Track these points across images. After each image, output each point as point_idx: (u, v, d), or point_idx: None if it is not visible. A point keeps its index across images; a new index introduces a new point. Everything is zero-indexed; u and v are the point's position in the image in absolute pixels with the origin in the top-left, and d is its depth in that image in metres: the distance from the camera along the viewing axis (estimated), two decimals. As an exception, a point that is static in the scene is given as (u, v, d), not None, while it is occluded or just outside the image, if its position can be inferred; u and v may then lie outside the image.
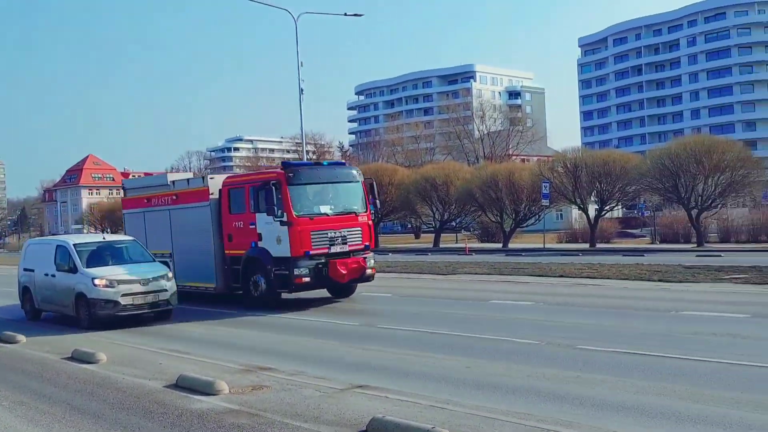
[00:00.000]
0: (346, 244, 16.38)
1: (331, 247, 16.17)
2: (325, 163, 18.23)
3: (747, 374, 8.61)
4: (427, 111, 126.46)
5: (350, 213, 16.79)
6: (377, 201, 17.82)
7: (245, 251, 16.95)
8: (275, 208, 15.68)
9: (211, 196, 17.73)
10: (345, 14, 33.70)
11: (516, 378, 8.91)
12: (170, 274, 15.88)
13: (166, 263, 17.42)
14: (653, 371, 8.85)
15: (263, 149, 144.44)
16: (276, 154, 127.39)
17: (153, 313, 15.50)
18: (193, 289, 18.52)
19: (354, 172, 17.54)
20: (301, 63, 32.34)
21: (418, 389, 8.52)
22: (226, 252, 17.68)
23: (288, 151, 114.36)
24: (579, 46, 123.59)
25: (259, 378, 9.51)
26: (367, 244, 16.93)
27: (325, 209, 16.44)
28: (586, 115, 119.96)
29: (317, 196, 16.61)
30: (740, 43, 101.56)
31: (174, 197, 19.16)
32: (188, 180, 19.54)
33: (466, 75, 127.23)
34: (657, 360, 9.41)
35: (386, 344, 11.80)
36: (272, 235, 16.24)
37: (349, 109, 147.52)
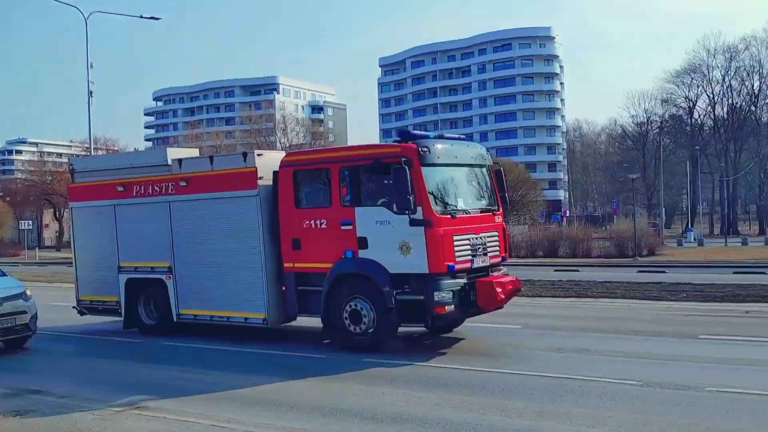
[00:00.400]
0: (487, 255, 11.72)
1: (474, 260, 11.43)
2: (450, 137, 12.33)
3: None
4: (228, 121, 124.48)
5: (488, 211, 12.19)
6: (506, 195, 12.94)
7: (331, 264, 11.49)
8: (409, 199, 10.58)
9: (259, 182, 12.13)
10: (141, 17, 32.23)
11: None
12: (29, 292, 13.01)
13: (153, 281, 13.52)
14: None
15: (50, 153, 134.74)
16: (64, 159, 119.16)
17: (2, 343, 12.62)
18: (215, 321, 13.01)
19: (484, 151, 12.79)
20: (91, 64, 30.45)
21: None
22: (288, 265, 12.03)
23: (78, 155, 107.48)
24: (380, 66, 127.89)
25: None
26: (504, 255, 12.42)
27: (463, 204, 11.60)
28: (385, 132, 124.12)
29: (453, 184, 11.69)
30: (523, 73, 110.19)
31: (180, 184, 13.11)
32: (211, 158, 13.29)
33: (269, 87, 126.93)
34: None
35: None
36: (390, 241, 10.90)
37: (146, 114, 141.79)
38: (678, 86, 77.35)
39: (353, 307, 11.28)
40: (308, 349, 11.92)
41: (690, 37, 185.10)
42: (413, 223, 10.67)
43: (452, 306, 10.74)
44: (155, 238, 13.55)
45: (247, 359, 11.53)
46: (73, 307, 15.07)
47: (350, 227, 11.27)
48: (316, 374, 10.09)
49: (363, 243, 11.16)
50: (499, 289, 11.21)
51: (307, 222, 11.79)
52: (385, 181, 10.96)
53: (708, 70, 76.28)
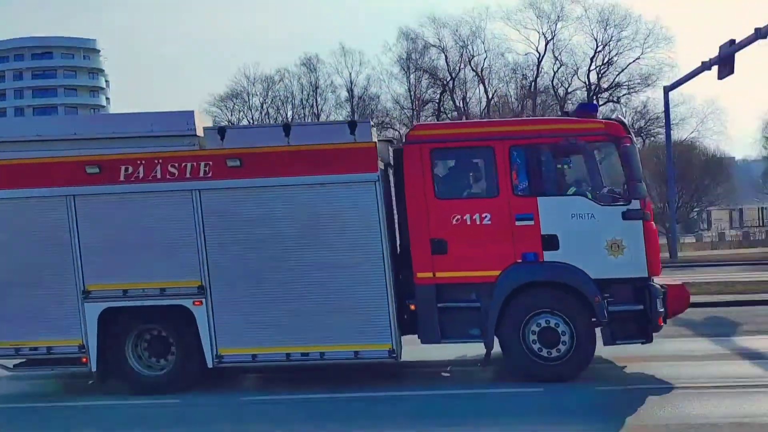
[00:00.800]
0: None
1: None
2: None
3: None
4: None
5: None
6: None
7: (499, 272, 8.84)
8: (643, 186, 8.90)
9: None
10: None
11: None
12: None
13: (164, 309, 9.02)
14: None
15: None
16: None
17: None
18: (294, 361, 9.08)
19: None
20: None
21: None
22: (424, 276, 8.95)
23: None
24: None
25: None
26: None
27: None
28: None
29: None
30: (66, 84, 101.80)
31: (226, 164, 8.85)
32: (287, 128, 9.06)
33: None
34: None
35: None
36: (592, 240, 8.79)
37: None
38: (221, 110, 79.92)
39: (544, 324, 8.91)
40: (454, 386, 9.22)
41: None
42: (628, 215, 8.79)
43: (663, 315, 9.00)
44: (167, 246, 9.06)
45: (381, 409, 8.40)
46: None
47: (530, 222, 8.90)
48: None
49: (551, 242, 8.88)
50: (682, 294, 9.49)
51: (458, 217, 9.01)
52: (586, 163, 9.08)
53: (248, 96, 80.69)
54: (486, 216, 8.97)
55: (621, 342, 9.12)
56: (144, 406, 8.83)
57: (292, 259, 8.95)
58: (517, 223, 8.91)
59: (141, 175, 8.98)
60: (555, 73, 49.04)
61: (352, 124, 9.05)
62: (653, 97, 46.21)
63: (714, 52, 21.59)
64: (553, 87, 49.07)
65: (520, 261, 8.94)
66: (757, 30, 19.00)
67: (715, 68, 21.28)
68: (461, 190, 9.45)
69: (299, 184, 8.94)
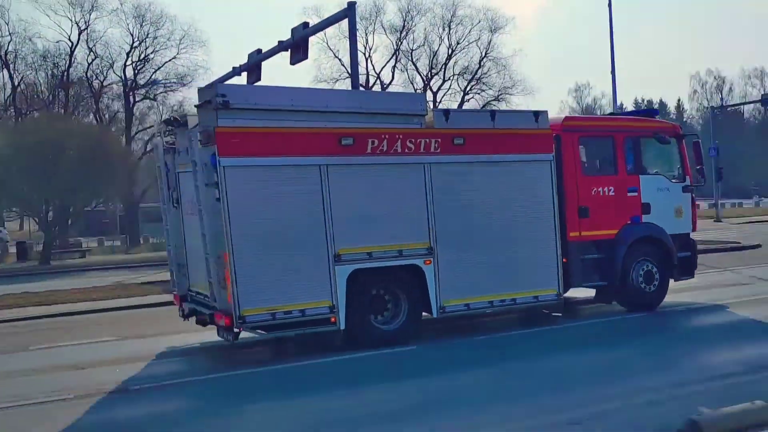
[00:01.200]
0: None
1: None
2: None
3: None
4: None
5: None
6: None
7: (616, 231, 12.16)
8: (704, 169, 13.52)
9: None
10: None
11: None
12: None
13: (401, 269, 10.10)
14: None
15: None
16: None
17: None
18: (496, 307, 10.95)
19: None
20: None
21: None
22: (574, 234, 11.70)
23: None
24: None
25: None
26: None
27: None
28: None
29: None
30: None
31: (452, 142, 10.36)
32: (493, 114, 11.37)
33: None
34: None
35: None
36: (667, 206, 12.60)
37: None
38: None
39: (646, 269, 12.33)
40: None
41: None
42: (685, 189, 12.88)
43: None
44: (403, 212, 10.20)
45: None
46: (229, 330, 9.43)
47: (635, 194, 12.35)
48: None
49: (647, 209, 12.41)
50: None
51: (595, 189, 12.01)
52: (664, 152, 12.92)
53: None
54: (611, 189, 12.20)
55: (679, 279, 13.03)
56: (383, 356, 9.71)
57: (494, 223, 10.84)
58: (629, 195, 12.36)
59: (384, 148, 9.97)
60: (89, 64, 45.91)
61: (536, 114, 11.38)
62: (189, 96, 45.46)
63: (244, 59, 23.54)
64: (88, 79, 46.23)
65: (629, 222, 12.37)
66: (280, 42, 21.39)
67: (244, 74, 23.37)
68: (597, 168, 12.65)
69: (502, 161, 10.92)
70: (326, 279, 9.62)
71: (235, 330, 9.35)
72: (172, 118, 10.48)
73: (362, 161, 9.92)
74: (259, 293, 9.21)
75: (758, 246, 24.39)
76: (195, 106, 9.72)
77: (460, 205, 10.57)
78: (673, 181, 12.91)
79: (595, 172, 12.46)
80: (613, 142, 12.33)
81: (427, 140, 10.32)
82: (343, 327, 9.77)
